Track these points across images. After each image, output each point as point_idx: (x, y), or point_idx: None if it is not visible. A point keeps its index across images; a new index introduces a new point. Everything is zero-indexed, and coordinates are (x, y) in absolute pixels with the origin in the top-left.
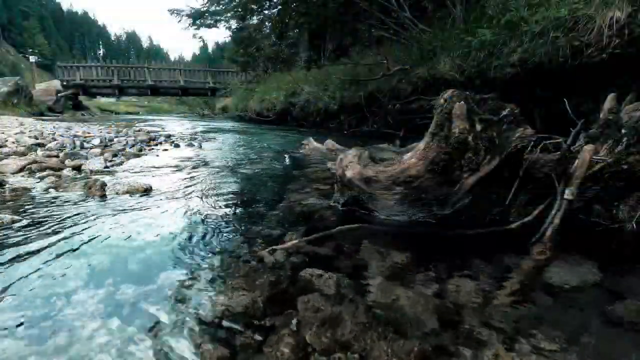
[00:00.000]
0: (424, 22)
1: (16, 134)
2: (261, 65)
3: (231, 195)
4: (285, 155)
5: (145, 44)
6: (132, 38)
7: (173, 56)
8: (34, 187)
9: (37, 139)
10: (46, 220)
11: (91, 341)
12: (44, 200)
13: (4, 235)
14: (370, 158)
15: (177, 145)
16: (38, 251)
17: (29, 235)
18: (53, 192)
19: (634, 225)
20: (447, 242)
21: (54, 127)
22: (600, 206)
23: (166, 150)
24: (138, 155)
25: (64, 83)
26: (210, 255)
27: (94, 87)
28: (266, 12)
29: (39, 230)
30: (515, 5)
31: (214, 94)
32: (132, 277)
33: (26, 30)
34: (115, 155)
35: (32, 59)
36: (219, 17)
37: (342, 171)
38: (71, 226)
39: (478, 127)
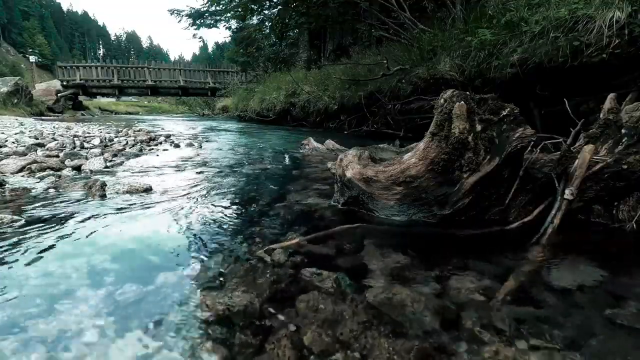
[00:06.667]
0: (424, 22)
1: (16, 134)
2: (261, 65)
3: (231, 195)
4: (285, 155)
5: (145, 44)
6: (132, 38)
7: (173, 56)
8: (34, 187)
9: (37, 139)
10: (46, 220)
11: (91, 341)
12: (44, 200)
13: (4, 235)
14: (370, 158)
15: (177, 145)
16: (38, 251)
17: (29, 235)
18: (53, 192)
19: (634, 225)
20: (447, 242)
21: (54, 127)
22: (600, 206)
23: (166, 150)
24: (138, 155)
25: (64, 83)
26: (210, 254)
27: (94, 87)
28: (266, 12)
29: (39, 230)
30: (515, 5)
31: (214, 94)
32: (132, 276)
33: (26, 30)
34: (115, 155)
35: (32, 59)
36: (219, 17)
37: (342, 171)
38: (71, 226)
39: (478, 127)
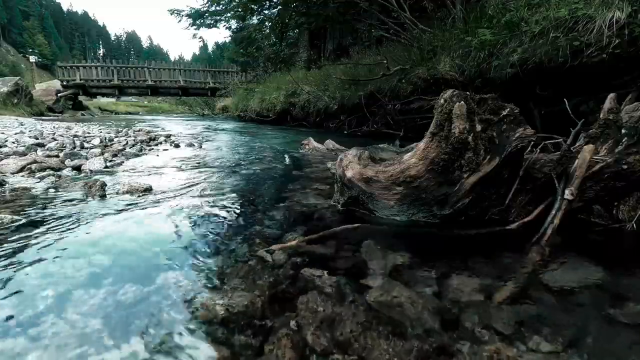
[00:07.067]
0: (424, 22)
1: (16, 134)
2: (261, 65)
3: (231, 195)
4: (285, 155)
5: (145, 44)
6: (132, 38)
7: (173, 56)
8: (34, 187)
9: (37, 139)
10: (46, 220)
11: (91, 341)
12: (44, 200)
13: (4, 235)
14: (370, 158)
15: (177, 145)
16: (38, 251)
17: (29, 235)
18: (53, 192)
19: (634, 225)
20: (447, 242)
21: (54, 127)
22: (600, 206)
23: (166, 150)
24: (138, 155)
25: (64, 83)
26: (210, 255)
27: (94, 87)
28: (266, 12)
29: (39, 230)
30: (515, 5)
31: (214, 94)
32: (133, 277)
33: (26, 30)
34: (115, 155)
35: (32, 59)
36: (219, 17)
37: (342, 171)
38: (71, 226)
39: (478, 127)
